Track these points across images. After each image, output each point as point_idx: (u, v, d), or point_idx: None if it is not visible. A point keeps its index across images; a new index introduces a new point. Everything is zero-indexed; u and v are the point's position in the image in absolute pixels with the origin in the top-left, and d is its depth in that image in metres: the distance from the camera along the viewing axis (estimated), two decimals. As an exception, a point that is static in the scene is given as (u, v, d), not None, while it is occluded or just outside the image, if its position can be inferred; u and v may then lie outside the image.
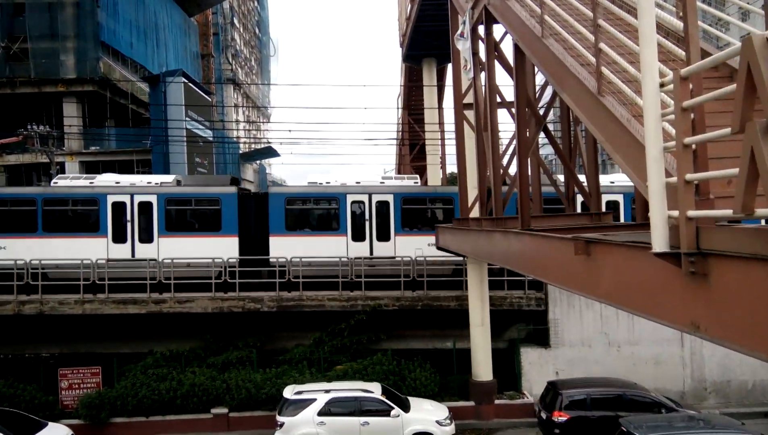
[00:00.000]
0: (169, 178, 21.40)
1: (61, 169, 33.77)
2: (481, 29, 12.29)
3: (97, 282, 18.48)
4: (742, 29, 6.74)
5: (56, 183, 20.75)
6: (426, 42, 26.09)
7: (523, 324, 19.43)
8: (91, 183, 20.37)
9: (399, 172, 34.85)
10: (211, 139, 40.89)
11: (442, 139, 31.07)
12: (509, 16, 9.86)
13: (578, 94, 7.05)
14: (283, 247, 19.15)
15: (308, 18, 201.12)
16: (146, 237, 19.58)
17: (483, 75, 12.69)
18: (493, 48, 11.91)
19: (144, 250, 19.43)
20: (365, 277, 18.65)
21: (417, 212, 20.15)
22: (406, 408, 15.23)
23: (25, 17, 35.51)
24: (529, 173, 10.54)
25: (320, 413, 14.70)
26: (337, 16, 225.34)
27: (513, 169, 12.60)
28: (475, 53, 13.08)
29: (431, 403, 16.28)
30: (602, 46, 6.46)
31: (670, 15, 6.46)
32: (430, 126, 29.72)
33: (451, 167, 32.86)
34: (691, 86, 4.47)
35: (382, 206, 19.70)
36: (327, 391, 15.10)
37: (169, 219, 19.78)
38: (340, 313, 18.58)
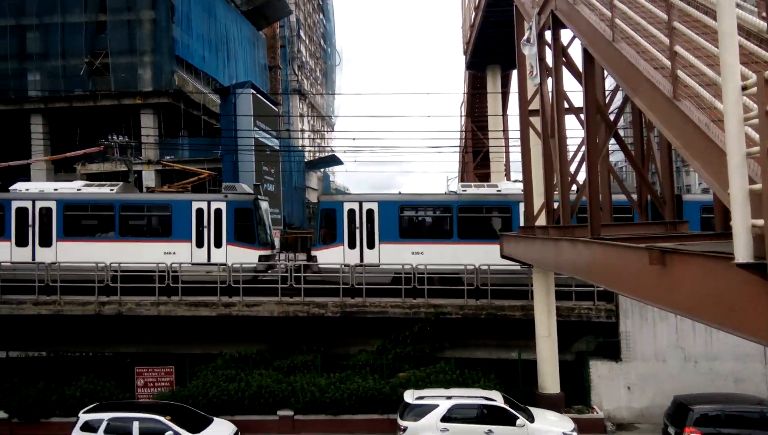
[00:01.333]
0: None
1: (139, 178, 35.62)
2: (548, 34, 12.11)
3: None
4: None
5: (464, 191, 21.09)
6: (490, 49, 25.93)
7: (592, 336, 18.83)
8: (498, 191, 20.71)
9: (462, 179, 34.64)
10: (277, 148, 42.05)
11: (507, 146, 30.74)
12: (578, 21, 9.67)
13: (652, 98, 6.83)
14: None
15: (372, 27, 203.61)
16: None
17: (550, 81, 12.48)
18: (561, 53, 11.70)
19: None
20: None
21: None
22: (530, 418, 14.95)
23: (107, 34, 37.79)
24: (599, 180, 10.26)
25: (443, 419, 14.69)
26: (400, 26, 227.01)
27: (581, 177, 12.32)
28: (541, 58, 12.89)
29: (554, 413, 15.94)
30: (678, 48, 6.25)
31: (751, 15, 6.17)
32: (493, 133, 29.45)
33: (515, 174, 32.43)
34: (777, 89, 4.26)
35: None
36: (449, 397, 15.07)
37: None
38: (403, 319, 18.63)
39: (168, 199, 21.48)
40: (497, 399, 15.13)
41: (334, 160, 52.26)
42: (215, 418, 16.06)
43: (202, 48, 41.48)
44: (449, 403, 14.90)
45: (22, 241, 20.43)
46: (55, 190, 21.41)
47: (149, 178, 37.00)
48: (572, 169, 12.54)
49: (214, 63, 43.33)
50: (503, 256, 17.30)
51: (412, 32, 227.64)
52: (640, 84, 7.22)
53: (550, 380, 17.06)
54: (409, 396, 15.45)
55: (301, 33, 67.06)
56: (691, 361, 17.84)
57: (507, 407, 14.88)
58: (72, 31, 38.02)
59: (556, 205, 12.30)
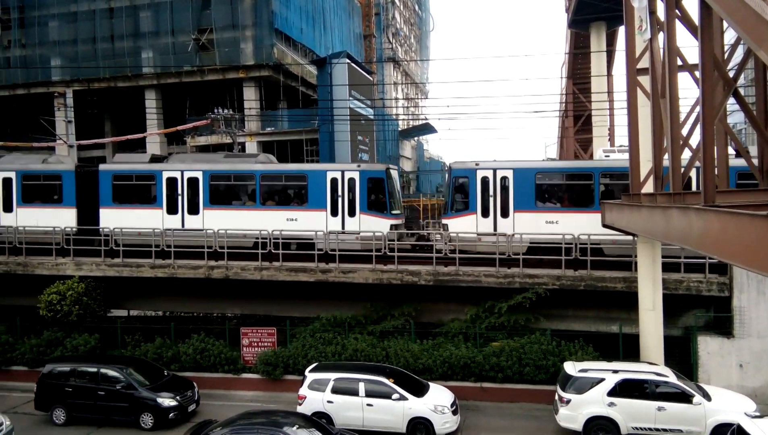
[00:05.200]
0: None
1: (243, 149, 37.30)
2: (659, -15, 11.17)
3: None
4: None
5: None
6: (594, 5, 24.46)
7: (702, 310, 17.69)
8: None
9: (561, 145, 33.32)
10: (372, 117, 42.32)
11: (611, 108, 29.10)
12: (694, -32, 8.81)
13: (780, 50, 6.13)
14: None
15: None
16: None
17: (661, 36, 11.55)
18: (674, 5, 10.77)
19: None
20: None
21: None
22: (706, 396, 14.28)
23: (211, 10, 39.37)
24: (714, 143, 9.44)
25: (610, 393, 14.27)
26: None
27: (694, 140, 11.40)
28: (652, 12, 11.95)
29: (730, 392, 15.17)
30: (815, -9, 5.52)
31: None
32: (597, 95, 27.91)
33: (620, 139, 30.73)
34: None
35: None
36: (615, 371, 14.64)
37: None
38: (497, 289, 18.39)
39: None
40: (669, 375, 14.43)
41: (427, 129, 51.96)
42: (431, 384, 16.25)
43: (300, 20, 42.20)
44: (616, 377, 14.37)
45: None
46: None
47: (252, 149, 38.61)
48: (684, 131, 11.63)
49: (311, 34, 44.02)
50: (604, 226, 16.52)
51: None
52: (766, 36, 6.49)
53: (653, 355, 16.24)
54: (571, 368, 15.10)
55: (396, -1, 66.47)
56: (818, 341, 16.33)
57: (681, 383, 14.21)
58: (180, 9, 39.95)
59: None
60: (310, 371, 16.13)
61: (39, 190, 23.17)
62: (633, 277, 16.96)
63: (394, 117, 55.03)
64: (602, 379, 14.43)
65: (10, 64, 42.97)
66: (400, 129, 51.44)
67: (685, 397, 13.97)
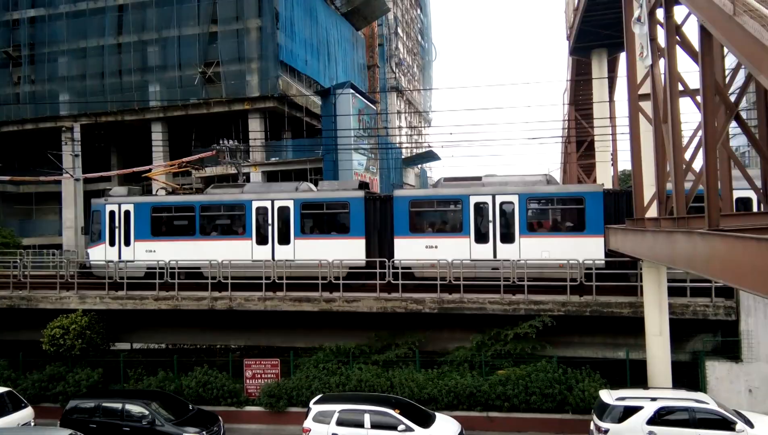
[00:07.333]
0: None
1: (247, 180, 37.51)
2: (660, 13, 11.30)
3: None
4: None
5: None
6: (595, 32, 24.74)
7: (709, 335, 17.43)
8: None
9: (564, 171, 33.33)
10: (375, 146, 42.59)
11: (614, 134, 29.15)
12: (692, -5, 8.91)
13: (780, 74, 6.13)
14: None
15: (467, 17, 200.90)
16: None
17: (662, 62, 11.64)
18: (674, 32, 10.86)
19: None
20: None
21: None
22: (748, 423, 13.87)
23: (218, 44, 40.05)
24: (718, 167, 9.41)
25: (649, 422, 13.92)
26: (496, 14, 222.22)
27: (697, 164, 11.39)
28: (653, 39, 12.05)
29: None
30: (811, 16, 5.55)
31: None
32: (599, 121, 28.02)
33: (623, 164, 30.67)
34: None
35: None
36: (653, 399, 14.29)
37: None
38: (502, 316, 18.20)
39: None
40: (709, 402, 14.10)
41: (431, 156, 52.17)
42: (437, 414, 15.97)
43: (305, 52, 42.84)
44: (655, 405, 14.04)
45: None
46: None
47: (256, 179, 38.81)
48: (687, 156, 11.63)
49: (316, 66, 44.63)
50: (610, 250, 16.41)
51: (510, 20, 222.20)
52: (766, 61, 6.51)
53: (661, 381, 15.96)
54: (607, 396, 14.75)
55: (399, 30, 67.51)
56: (831, 366, 16.02)
57: (722, 410, 13.85)
58: (187, 43, 40.71)
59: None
60: (315, 403, 15.88)
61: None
62: (639, 302, 16.77)
63: (398, 145, 55.35)
64: (641, 407, 14.07)
65: (19, 99, 43.72)
66: (403, 157, 51.67)
67: (726, 424, 13.59)
